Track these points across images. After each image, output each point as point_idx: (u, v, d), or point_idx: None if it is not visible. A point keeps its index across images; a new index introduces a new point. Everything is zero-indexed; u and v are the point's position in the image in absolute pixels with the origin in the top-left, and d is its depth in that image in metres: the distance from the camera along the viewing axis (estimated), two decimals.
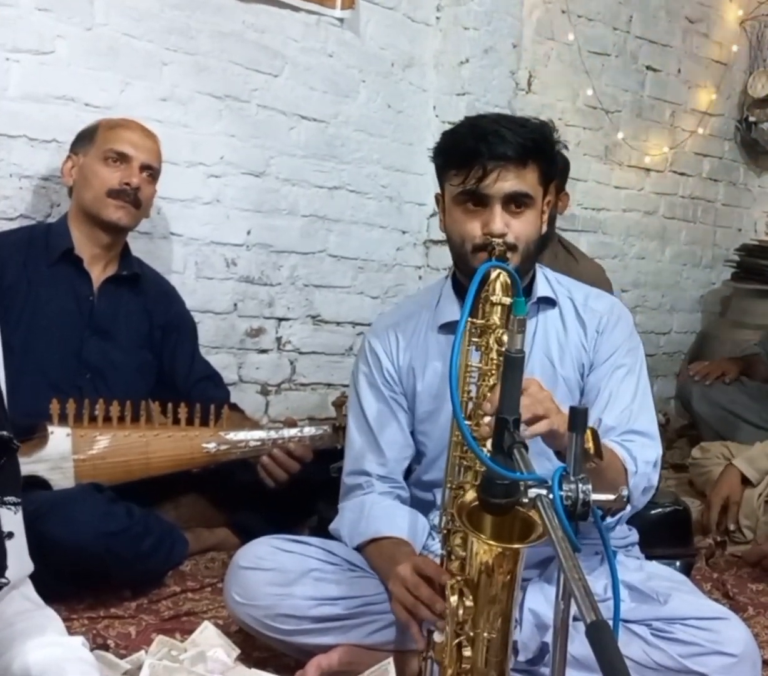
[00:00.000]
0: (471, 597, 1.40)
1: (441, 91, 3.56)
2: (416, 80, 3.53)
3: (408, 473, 1.96)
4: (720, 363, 3.81)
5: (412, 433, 1.93)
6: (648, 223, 4.49)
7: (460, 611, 1.41)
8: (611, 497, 1.21)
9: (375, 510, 1.84)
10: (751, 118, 4.78)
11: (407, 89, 3.51)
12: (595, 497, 1.17)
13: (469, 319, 1.59)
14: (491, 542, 1.33)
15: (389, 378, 1.93)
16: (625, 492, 1.23)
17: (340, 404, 2.47)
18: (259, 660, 1.84)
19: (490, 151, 1.71)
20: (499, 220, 1.73)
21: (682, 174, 4.60)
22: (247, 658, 1.82)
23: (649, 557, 1.98)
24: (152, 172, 2.51)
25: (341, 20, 3.26)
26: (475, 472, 1.53)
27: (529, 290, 1.88)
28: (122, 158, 2.45)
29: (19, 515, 1.33)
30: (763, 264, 4.60)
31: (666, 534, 2.43)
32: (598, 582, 1.73)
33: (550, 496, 1.16)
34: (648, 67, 4.34)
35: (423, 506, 1.91)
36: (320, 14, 3.21)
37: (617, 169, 4.28)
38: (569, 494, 1.16)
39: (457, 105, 3.51)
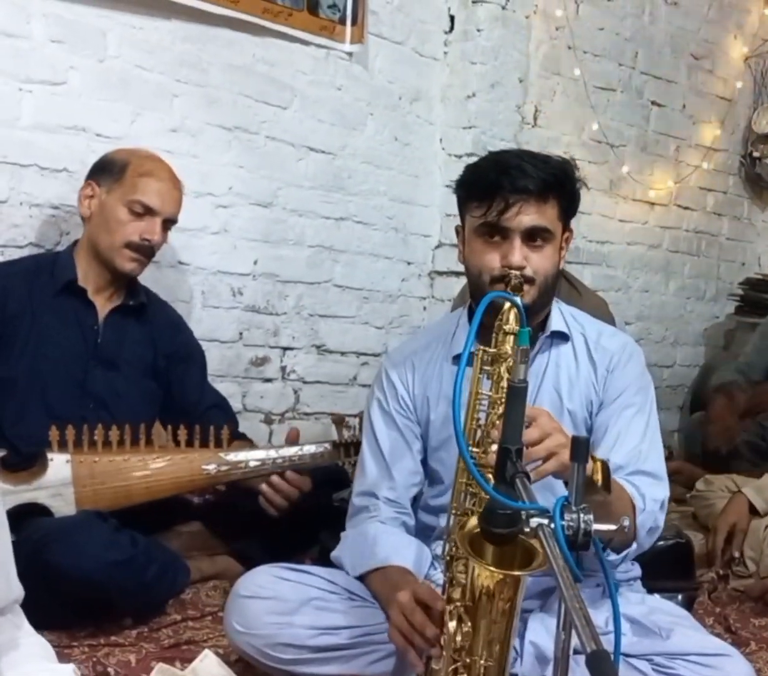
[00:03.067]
0: (469, 623, 1.40)
1: (448, 124, 3.60)
2: (423, 113, 3.57)
3: (416, 498, 1.96)
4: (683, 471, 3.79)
5: (426, 460, 1.94)
6: (652, 257, 4.51)
7: (458, 637, 1.41)
8: (613, 527, 1.22)
9: (379, 539, 1.84)
10: (755, 154, 4.82)
11: (414, 122, 3.55)
12: (596, 527, 1.17)
13: (482, 347, 1.61)
14: (492, 569, 1.34)
15: (404, 406, 1.95)
16: (626, 522, 1.23)
17: (339, 421, 2.47)
18: None
19: (512, 185, 1.74)
20: (518, 253, 1.75)
21: (686, 208, 4.63)
22: None
23: (650, 591, 1.98)
24: (172, 223, 2.49)
25: (350, 54, 3.31)
26: (480, 498, 1.54)
27: (544, 324, 1.89)
28: (147, 211, 2.39)
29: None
30: (766, 298, 4.61)
31: (668, 567, 2.42)
32: (600, 615, 1.71)
33: (552, 525, 1.16)
34: (653, 103, 4.39)
35: (428, 532, 1.91)
36: (329, 48, 3.25)
37: (622, 202, 4.31)
38: (571, 523, 1.16)
39: (464, 138, 3.55)
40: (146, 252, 2.43)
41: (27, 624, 1.38)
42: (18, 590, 1.39)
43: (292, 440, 2.43)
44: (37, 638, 1.36)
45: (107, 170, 2.43)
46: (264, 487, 2.35)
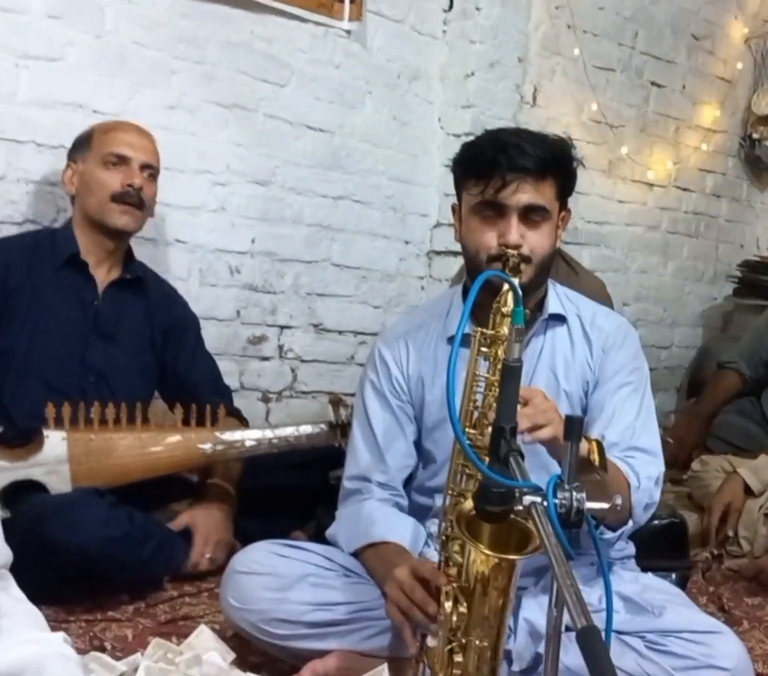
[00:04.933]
0: (465, 604, 1.41)
1: (446, 103, 3.58)
2: (422, 92, 3.56)
3: (409, 479, 1.96)
4: (684, 440, 3.75)
5: (421, 441, 1.94)
6: (651, 238, 4.50)
7: (454, 618, 1.42)
8: (605, 505, 1.22)
9: (373, 516, 1.85)
10: (755, 135, 4.80)
11: (413, 101, 3.53)
12: (589, 505, 1.18)
13: (480, 329, 1.61)
14: (488, 552, 1.34)
15: (397, 386, 1.94)
16: (619, 501, 1.24)
17: (336, 401, 2.48)
18: (254, 665, 1.85)
19: (509, 163, 1.73)
20: (515, 231, 1.75)
21: (685, 189, 4.62)
22: (242, 662, 1.82)
23: (644, 569, 1.99)
24: (152, 171, 2.50)
25: (349, 32, 3.29)
26: (476, 480, 1.54)
27: (541, 306, 1.89)
28: (121, 160, 2.43)
29: None
30: (764, 280, 4.61)
31: (662, 546, 2.44)
32: (593, 593, 1.73)
33: (545, 503, 1.17)
34: (653, 83, 4.36)
35: (422, 512, 1.92)
36: (328, 26, 3.23)
37: (621, 183, 4.30)
38: (564, 501, 1.17)
39: (463, 117, 3.53)
40: (133, 201, 2.44)
41: (16, 590, 1.37)
42: (6, 552, 1.38)
43: None
44: (27, 606, 1.35)
45: (78, 145, 2.50)
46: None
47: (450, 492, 1.61)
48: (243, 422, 2.62)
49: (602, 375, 1.88)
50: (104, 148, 2.44)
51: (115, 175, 2.42)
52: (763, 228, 5.08)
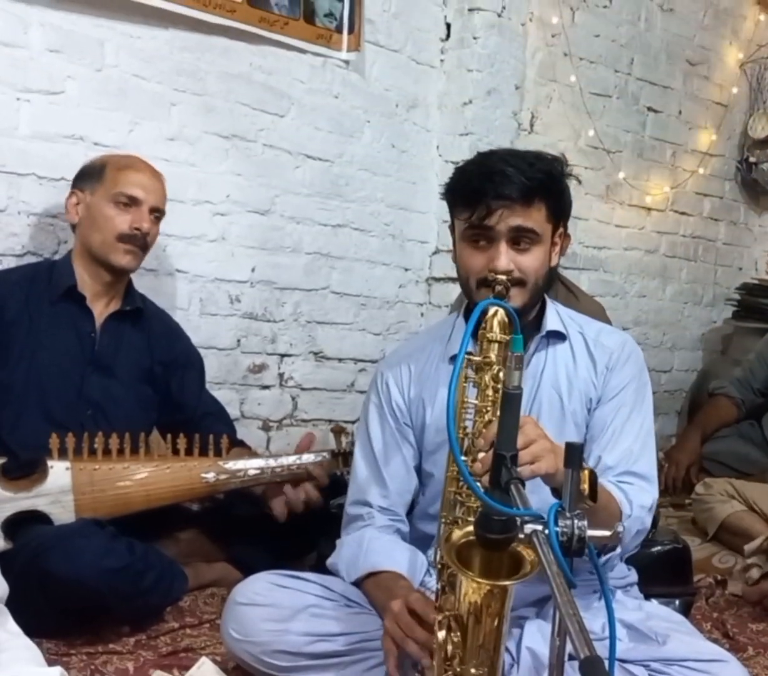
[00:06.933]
0: (459, 632, 1.40)
1: (444, 131, 3.61)
2: (420, 121, 3.58)
3: (412, 506, 1.96)
4: (679, 460, 3.75)
5: (422, 465, 1.94)
6: (649, 262, 4.52)
7: (449, 647, 1.41)
8: (607, 533, 1.22)
9: (374, 545, 1.84)
10: (751, 159, 4.83)
11: (411, 129, 3.56)
12: (590, 533, 1.18)
13: (467, 356, 1.61)
14: (478, 579, 1.33)
15: (397, 410, 1.94)
16: (620, 528, 1.24)
17: (338, 431, 2.48)
18: None
19: (495, 191, 1.73)
20: (504, 257, 1.75)
21: (682, 213, 4.64)
22: None
23: (647, 596, 1.98)
24: (159, 214, 2.51)
25: (347, 62, 3.32)
26: (468, 508, 1.54)
27: (538, 324, 1.89)
28: (133, 202, 2.43)
29: None
30: (763, 303, 4.62)
31: (665, 573, 2.42)
32: (596, 621, 1.71)
33: (546, 531, 1.17)
34: (649, 109, 4.39)
35: (424, 540, 1.91)
36: (326, 56, 3.26)
37: (618, 208, 4.32)
38: (565, 529, 1.17)
39: (460, 145, 3.56)
40: (139, 243, 2.45)
41: (12, 625, 1.36)
42: (2, 588, 1.37)
43: (305, 446, 2.44)
44: (24, 640, 1.35)
45: (88, 174, 2.49)
46: (288, 487, 2.39)
47: (444, 520, 1.60)
48: (248, 448, 2.62)
49: (605, 392, 1.87)
50: (117, 186, 2.43)
51: (125, 216, 2.42)
52: (761, 251, 5.10)
